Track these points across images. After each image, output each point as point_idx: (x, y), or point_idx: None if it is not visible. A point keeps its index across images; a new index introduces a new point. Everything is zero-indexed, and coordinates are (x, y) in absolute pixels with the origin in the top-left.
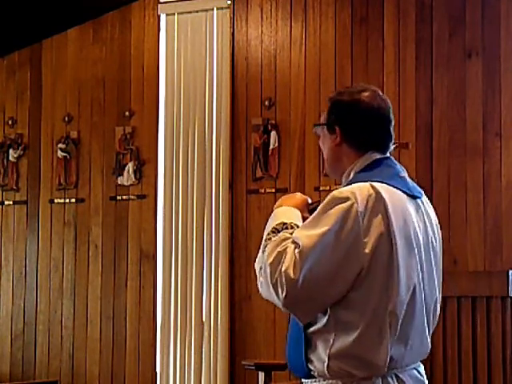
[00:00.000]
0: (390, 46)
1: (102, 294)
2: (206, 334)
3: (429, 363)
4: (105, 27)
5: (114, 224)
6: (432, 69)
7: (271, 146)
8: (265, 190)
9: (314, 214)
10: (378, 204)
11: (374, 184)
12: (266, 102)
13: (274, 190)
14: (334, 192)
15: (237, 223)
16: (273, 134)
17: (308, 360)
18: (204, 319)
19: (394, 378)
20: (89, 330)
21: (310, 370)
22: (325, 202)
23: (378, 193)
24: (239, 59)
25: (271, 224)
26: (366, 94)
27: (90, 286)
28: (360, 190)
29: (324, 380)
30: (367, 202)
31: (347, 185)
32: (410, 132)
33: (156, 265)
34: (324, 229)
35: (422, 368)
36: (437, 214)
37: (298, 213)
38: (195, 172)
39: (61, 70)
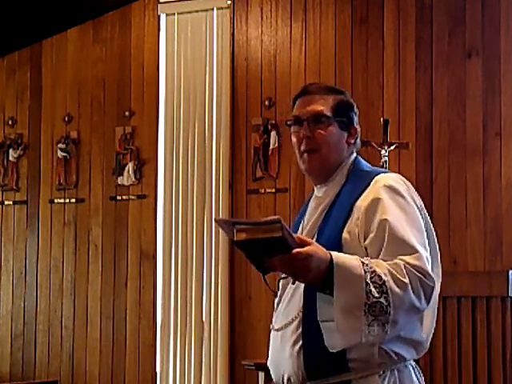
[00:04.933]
0: (390, 46)
1: (102, 294)
2: (205, 334)
3: (429, 363)
4: (105, 27)
5: (114, 224)
6: (432, 69)
7: (271, 146)
8: (265, 190)
9: (389, 210)
10: (411, 189)
11: (397, 174)
12: (266, 102)
13: (273, 190)
14: (382, 185)
15: None
16: (273, 134)
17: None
18: (204, 319)
19: (415, 365)
20: (89, 330)
21: (349, 362)
22: (384, 197)
23: (405, 180)
24: (239, 59)
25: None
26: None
27: (90, 286)
28: (396, 177)
29: (359, 371)
30: (407, 187)
31: (351, 180)
32: (410, 132)
33: (156, 265)
34: (412, 220)
35: None
36: (437, 214)
37: (340, 255)
38: (195, 172)
39: (61, 70)
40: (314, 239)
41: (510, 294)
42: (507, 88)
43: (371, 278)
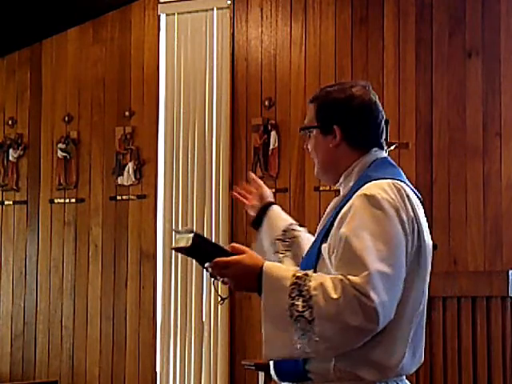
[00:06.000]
0: (390, 46)
1: (102, 294)
2: (205, 334)
3: (429, 363)
4: (105, 27)
5: (114, 224)
6: (432, 69)
7: (271, 146)
8: None
9: (357, 222)
10: (403, 198)
11: (395, 181)
12: (266, 102)
13: (273, 190)
14: (362, 193)
15: (237, 223)
16: (273, 134)
17: (306, 361)
18: (204, 319)
19: None
20: (89, 330)
21: (308, 372)
22: (357, 206)
23: (401, 188)
24: (239, 59)
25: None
26: (357, 88)
27: (90, 286)
28: (385, 187)
29: (319, 382)
30: (395, 197)
31: (356, 185)
32: (410, 132)
33: (156, 265)
34: (382, 237)
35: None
36: (437, 214)
37: (273, 265)
38: (195, 172)
39: (61, 69)
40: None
41: (510, 294)
42: (507, 88)
43: (300, 291)
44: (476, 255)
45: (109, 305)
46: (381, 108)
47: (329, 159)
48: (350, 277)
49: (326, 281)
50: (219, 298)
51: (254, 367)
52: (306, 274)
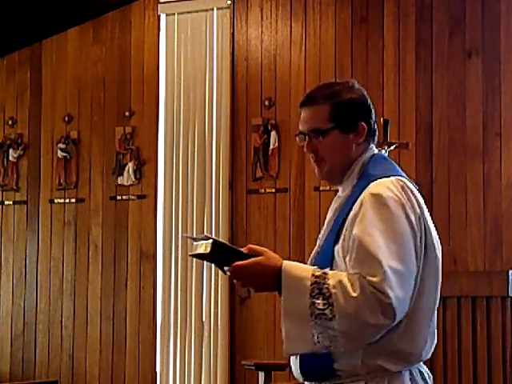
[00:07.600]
0: (390, 46)
1: (102, 294)
2: (205, 334)
3: (429, 363)
4: (105, 27)
5: (114, 224)
6: (432, 69)
7: (271, 146)
8: (265, 190)
9: (367, 221)
10: (408, 194)
11: (397, 178)
12: (266, 102)
13: (273, 190)
14: (368, 193)
15: (237, 223)
16: (273, 134)
17: (334, 360)
18: (204, 319)
19: (417, 371)
20: (89, 330)
21: (336, 371)
22: (366, 206)
23: (404, 185)
24: (239, 59)
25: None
26: (358, 86)
27: (90, 286)
28: (390, 185)
29: (348, 378)
30: (400, 194)
31: (360, 184)
32: (410, 132)
33: (156, 265)
34: (392, 235)
35: None
36: (437, 214)
37: (291, 264)
38: (195, 172)
39: (61, 69)
40: (321, 244)
41: (510, 294)
42: (507, 88)
43: (320, 289)
44: (476, 255)
45: (109, 305)
46: None
47: (344, 157)
48: (367, 275)
49: (343, 279)
50: (242, 295)
51: (253, 367)
52: (325, 273)
